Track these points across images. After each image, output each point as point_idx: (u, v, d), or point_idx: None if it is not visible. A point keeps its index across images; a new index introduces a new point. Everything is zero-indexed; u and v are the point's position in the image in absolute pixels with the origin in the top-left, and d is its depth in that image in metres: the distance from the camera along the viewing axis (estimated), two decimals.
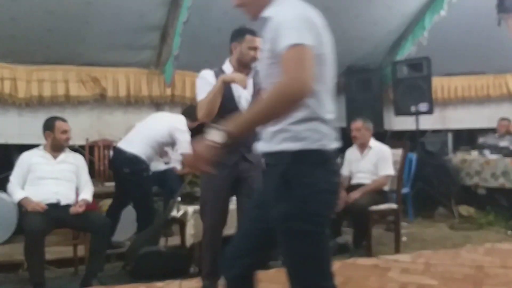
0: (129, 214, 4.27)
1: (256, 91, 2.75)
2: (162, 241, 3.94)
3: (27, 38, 4.61)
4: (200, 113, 2.71)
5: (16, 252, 3.71)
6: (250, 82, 2.77)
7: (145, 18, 4.72)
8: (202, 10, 4.56)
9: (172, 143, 4.16)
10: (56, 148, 3.59)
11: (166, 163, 4.82)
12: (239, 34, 2.74)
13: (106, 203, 4.37)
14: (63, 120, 3.68)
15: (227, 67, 2.77)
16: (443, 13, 5.24)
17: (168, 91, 5.44)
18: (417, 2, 5.50)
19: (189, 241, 3.44)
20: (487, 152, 5.70)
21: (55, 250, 3.93)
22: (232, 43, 2.75)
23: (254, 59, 2.70)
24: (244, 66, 2.76)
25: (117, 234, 4.06)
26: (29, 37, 4.61)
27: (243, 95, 2.73)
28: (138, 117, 5.42)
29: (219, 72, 2.76)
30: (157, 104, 5.57)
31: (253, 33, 2.71)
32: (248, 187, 2.72)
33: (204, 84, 2.73)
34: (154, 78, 5.41)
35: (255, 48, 2.70)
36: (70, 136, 3.64)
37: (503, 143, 5.82)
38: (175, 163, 4.88)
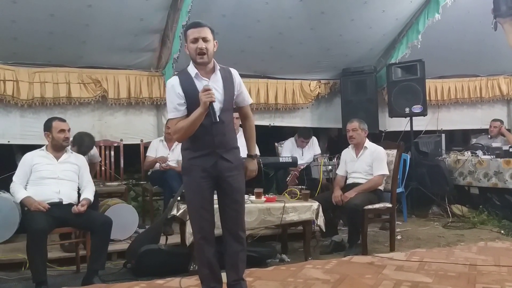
0: (128, 214, 4.34)
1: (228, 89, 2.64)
2: (162, 240, 4.00)
3: (29, 41, 4.63)
4: (176, 136, 2.61)
5: (19, 250, 3.77)
6: (219, 79, 2.63)
7: (145, 21, 4.75)
8: (200, 14, 4.58)
9: None
10: (56, 148, 3.64)
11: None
12: (184, 34, 2.58)
13: (107, 202, 4.42)
14: (61, 120, 3.72)
15: (191, 68, 2.61)
16: (438, 16, 5.30)
17: None
18: (410, 6, 5.55)
19: (189, 239, 3.45)
20: (480, 152, 5.80)
21: (57, 248, 4.00)
22: (185, 45, 2.62)
23: (198, 50, 2.51)
24: (200, 64, 2.56)
25: (117, 233, 4.05)
26: (31, 40, 4.63)
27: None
28: (138, 118, 5.51)
29: (183, 75, 2.61)
30: (157, 106, 5.63)
31: (191, 25, 2.57)
32: (228, 186, 2.65)
33: (171, 99, 2.57)
34: (154, 80, 5.46)
35: (196, 40, 2.52)
36: (68, 135, 3.67)
37: (496, 144, 5.93)
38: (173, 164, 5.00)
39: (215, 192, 2.72)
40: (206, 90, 2.47)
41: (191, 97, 2.55)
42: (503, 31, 3.02)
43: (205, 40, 2.53)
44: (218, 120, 2.51)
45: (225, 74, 2.67)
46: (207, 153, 2.60)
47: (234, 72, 2.74)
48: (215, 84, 2.59)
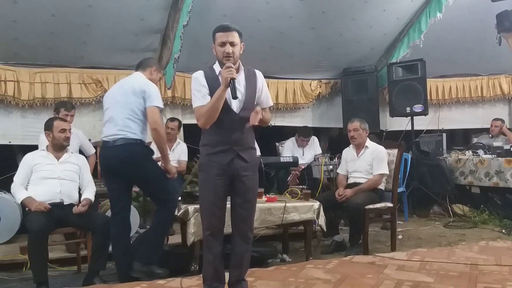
0: (131, 215, 4.31)
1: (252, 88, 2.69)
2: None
3: (29, 41, 4.64)
4: (201, 122, 2.61)
5: (20, 251, 3.79)
6: (242, 78, 2.67)
7: (146, 21, 4.76)
8: (201, 14, 4.61)
9: None
10: (57, 148, 3.64)
11: None
12: (212, 35, 2.64)
13: (108, 202, 4.42)
14: (63, 119, 3.74)
15: (217, 66, 2.67)
16: (439, 15, 5.29)
17: (169, 93, 5.49)
18: (411, 5, 5.55)
19: (189, 239, 3.46)
20: (481, 152, 5.80)
21: (58, 248, 4.03)
22: (212, 45, 2.67)
23: (225, 54, 2.57)
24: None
25: None
26: (32, 40, 4.64)
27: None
28: None
29: (209, 71, 2.67)
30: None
31: (220, 29, 2.61)
32: (243, 186, 2.66)
33: (198, 89, 2.63)
34: None
35: (224, 44, 2.58)
36: (69, 135, 3.67)
37: (497, 143, 5.93)
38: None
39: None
40: (228, 67, 2.52)
41: (214, 92, 2.58)
42: (507, 44, 3.04)
43: (232, 44, 2.59)
44: (238, 97, 2.55)
45: (249, 74, 2.72)
46: (224, 150, 2.62)
47: (259, 74, 2.78)
48: (238, 83, 2.62)
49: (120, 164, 3.28)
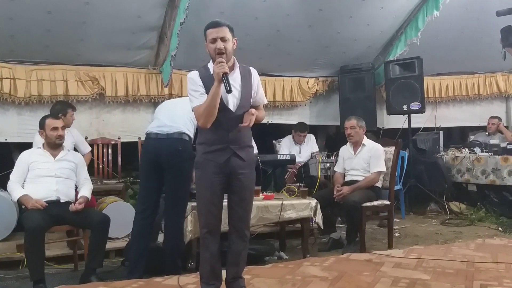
0: (126, 212, 4.33)
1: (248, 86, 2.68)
2: (160, 237, 3.94)
3: (26, 38, 4.61)
4: (201, 122, 2.59)
5: (17, 249, 3.78)
6: (237, 76, 2.66)
7: (142, 18, 4.73)
8: (198, 11, 4.58)
9: None
10: (52, 146, 3.62)
11: None
12: (204, 33, 2.61)
13: (105, 200, 4.42)
14: (55, 117, 3.72)
15: (211, 65, 2.64)
16: (436, 13, 5.28)
17: (166, 91, 5.46)
18: (408, 3, 5.54)
19: (187, 237, 3.48)
20: (478, 149, 5.81)
21: (55, 246, 4.02)
22: (205, 43, 2.65)
23: (217, 50, 2.54)
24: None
25: (115, 230, 4.03)
26: (28, 37, 4.61)
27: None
28: (136, 116, 5.50)
29: (203, 70, 2.66)
30: (155, 103, 5.55)
31: (210, 25, 2.59)
32: (239, 184, 2.66)
33: (194, 88, 2.62)
34: (152, 77, 5.44)
35: (215, 40, 2.56)
36: (62, 133, 3.63)
37: (494, 141, 5.95)
38: None
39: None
40: (219, 62, 2.50)
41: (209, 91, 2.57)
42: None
43: (223, 40, 2.56)
44: (232, 90, 2.52)
45: (244, 72, 2.71)
46: (221, 148, 2.62)
47: (254, 72, 2.77)
48: (233, 81, 2.60)
49: (169, 155, 3.38)
